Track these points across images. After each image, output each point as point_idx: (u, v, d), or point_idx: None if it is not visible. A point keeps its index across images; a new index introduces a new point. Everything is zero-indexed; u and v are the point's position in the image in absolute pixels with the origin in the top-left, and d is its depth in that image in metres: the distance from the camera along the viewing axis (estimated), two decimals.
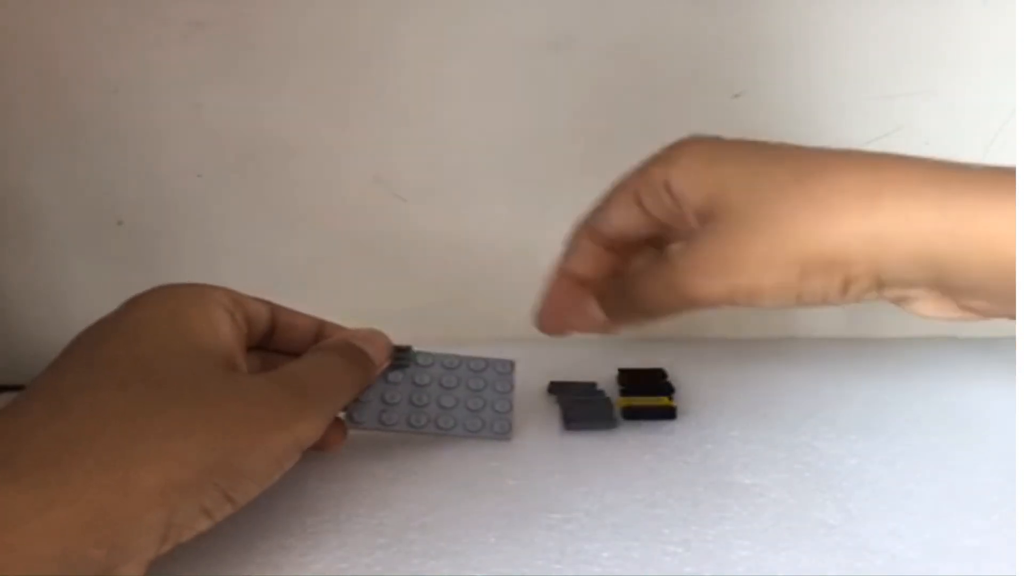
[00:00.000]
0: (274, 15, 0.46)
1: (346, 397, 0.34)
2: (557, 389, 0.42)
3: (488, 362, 0.39)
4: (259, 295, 0.35)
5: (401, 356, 0.37)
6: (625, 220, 0.34)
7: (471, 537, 0.31)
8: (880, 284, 0.28)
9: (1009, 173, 0.26)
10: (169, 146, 0.49)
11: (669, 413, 0.40)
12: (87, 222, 0.50)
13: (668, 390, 0.42)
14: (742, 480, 0.35)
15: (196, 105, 0.48)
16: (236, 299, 0.33)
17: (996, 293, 0.27)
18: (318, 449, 0.34)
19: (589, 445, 0.38)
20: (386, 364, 0.37)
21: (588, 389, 0.42)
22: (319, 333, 0.36)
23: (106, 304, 0.31)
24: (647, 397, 0.41)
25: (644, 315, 0.33)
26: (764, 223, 0.29)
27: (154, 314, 0.30)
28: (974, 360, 0.47)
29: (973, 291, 0.27)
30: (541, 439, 0.38)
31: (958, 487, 0.34)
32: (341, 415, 0.35)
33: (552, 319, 0.37)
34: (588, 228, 0.35)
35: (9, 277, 0.51)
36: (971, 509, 0.33)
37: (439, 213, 0.50)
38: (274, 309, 0.35)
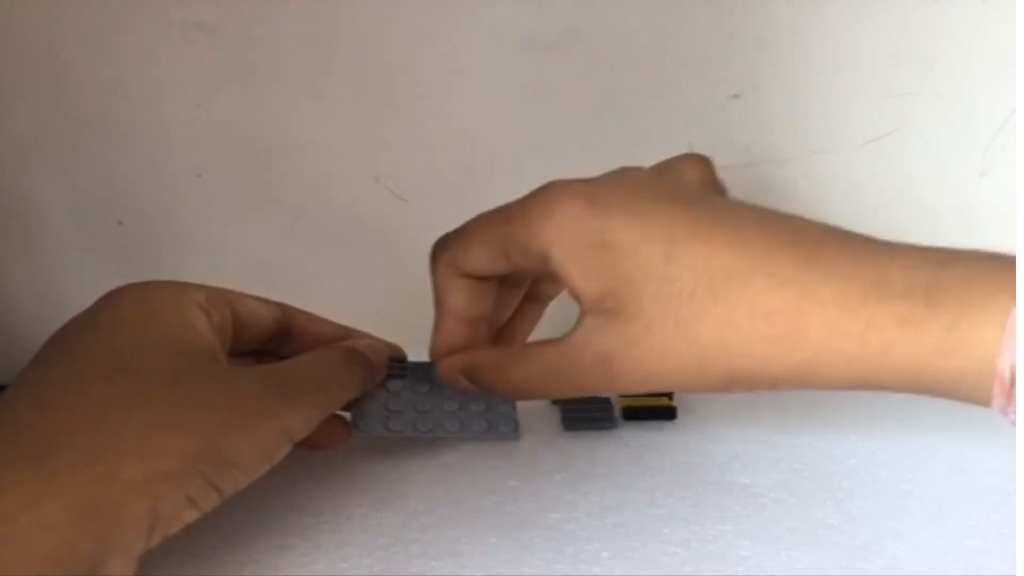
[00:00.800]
0: (274, 15, 0.46)
1: (342, 394, 0.33)
2: None
3: None
4: (259, 295, 0.34)
5: (398, 366, 0.37)
6: (485, 267, 0.32)
7: (471, 537, 0.31)
8: (803, 388, 0.28)
9: (918, 272, 0.26)
10: (169, 146, 0.49)
11: (669, 413, 0.40)
12: (87, 222, 0.50)
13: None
14: (742, 480, 0.35)
15: (196, 105, 0.48)
16: (216, 297, 0.32)
17: (913, 392, 0.27)
18: (318, 447, 0.34)
19: (589, 445, 0.38)
20: (385, 373, 0.36)
21: None
22: (341, 339, 0.36)
23: None
24: (647, 397, 0.41)
25: (520, 398, 0.34)
26: (685, 341, 0.28)
27: (130, 310, 0.30)
28: None
29: (891, 391, 0.28)
30: (541, 439, 0.38)
31: (958, 487, 0.34)
32: (346, 415, 0.35)
33: (450, 369, 0.34)
34: (447, 266, 0.33)
35: (9, 277, 0.51)
36: (971, 509, 0.33)
37: (439, 213, 0.50)
38: (291, 314, 0.35)
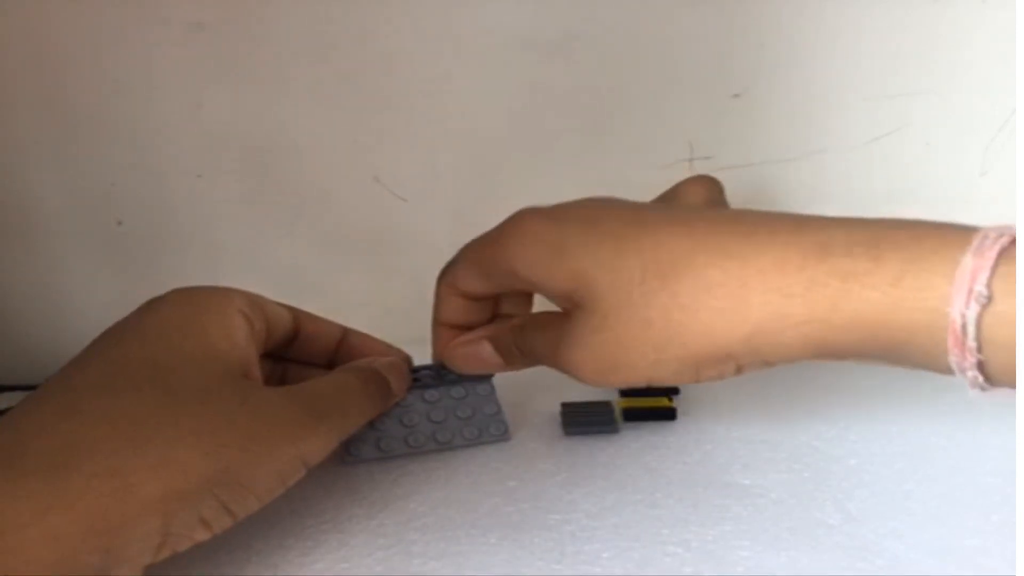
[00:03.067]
0: (274, 15, 0.46)
1: (359, 421, 0.33)
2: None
3: None
4: (259, 295, 0.34)
5: None
6: (475, 287, 0.34)
7: (471, 538, 0.31)
8: (772, 363, 0.28)
9: (860, 236, 0.26)
10: (169, 146, 0.49)
11: (669, 414, 0.40)
12: (87, 222, 0.50)
13: (669, 391, 0.41)
14: (742, 480, 0.35)
15: (196, 105, 0.48)
16: (255, 303, 0.32)
17: (878, 358, 0.27)
18: None
19: (589, 446, 0.38)
20: (404, 396, 0.37)
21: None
22: (343, 341, 0.36)
23: (106, 304, 0.31)
24: (647, 398, 0.41)
25: (538, 363, 0.34)
26: (639, 326, 0.29)
27: (171, 318, 0.30)
28: None
29: (855, 358, 0.27)
30: (542, 440, 0.38)
31: (958, 487, 0.34)
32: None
33: (450, 360, 0.37)
34: (448, 284, 0.36)
35: (9, 277, 0.51)
36: (971, 509, 0.33)
37: (439, 213, 0.50)
38: (298, 316, 0.35)
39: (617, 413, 0.40)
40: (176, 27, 0.46)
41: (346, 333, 0.36)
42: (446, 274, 0.36)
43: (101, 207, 0.50)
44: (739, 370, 0.29)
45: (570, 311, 0.31)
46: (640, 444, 0.38)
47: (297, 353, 0.35)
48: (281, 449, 0.28)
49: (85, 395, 0.26)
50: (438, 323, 0.37)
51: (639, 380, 0.30)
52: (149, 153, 0.49)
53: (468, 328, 0.36)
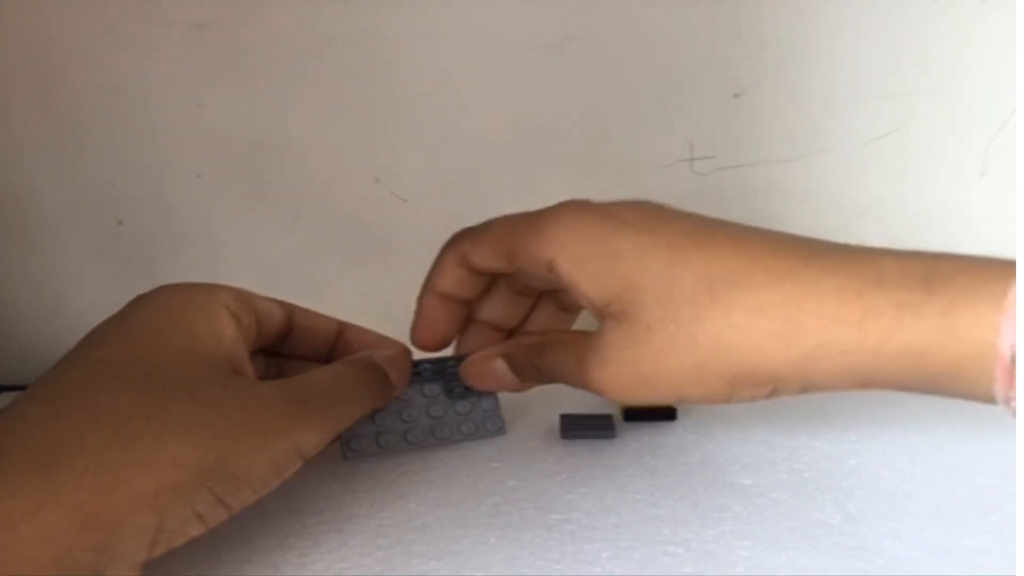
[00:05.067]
0: (274, 16, 0.46)
1: (356, 411, 0.33)
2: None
3: (462, 360, 0.39)
4: (248, 291, 0.34)
5: None
6: (489, 263, 0.33)
7: (471, 537, 0.31)
8: (808, 390, 0.28)
9: (912, 267, 0.26)
10: (169, 146, 0.49)
11: (669, 414, 0.40)
12: (87, 222, 0.50)
13: None
14: (742, 480, 0.35)
15: (197, 105, 0.48)
16: (243, 299, 0.32)
17: (919, 388, 0.27)
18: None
19: (589, 446, 0.38)
20: (404, 389, 0.36)
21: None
22: (340, 336, 0.36)
23: (106, 304, 0.31)
24: None
25: (555, 381, 0.34)
26: (683, 341, 0.28)
27: (157, 315, 0.30)
28: None
29: (896, 388, 0.28)
30: (541, 439, 0.38)
31: (958, 487, 0.34)
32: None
33: (424, 334, 0.36)
34: (457, 250, 0.34)
35: (9, 277, 0.51)
36: (971, 509, 0.33)
37: (439, 213, 0.50)
38: (291, 311, 0.35)
39: (617, 412, 0.40)
40: (176, 27, 0.46)
41: (343, 328, 0.36)
42: (459, 242, 0.34)
43: (101, 207, 0.50)
44: (773, 393, 0.28)
45: (604, 322, 0.30)
46: (640, 444, 0.38)
47: (293, 348, 0.35)
48: (275, 441, 0.28)
49: (73, 394, 0.26)
50: (431, 290, 0.35)
51: (669, 397, 0.29)
52: (149, 153, 0.49)
53: (457, 302, 0.35)
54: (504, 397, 0.39)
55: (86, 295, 0.51)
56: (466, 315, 0.37)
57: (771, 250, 0.28)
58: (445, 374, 0.38)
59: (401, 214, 0.50)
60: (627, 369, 0.29)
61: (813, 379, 0.28)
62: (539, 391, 0.42)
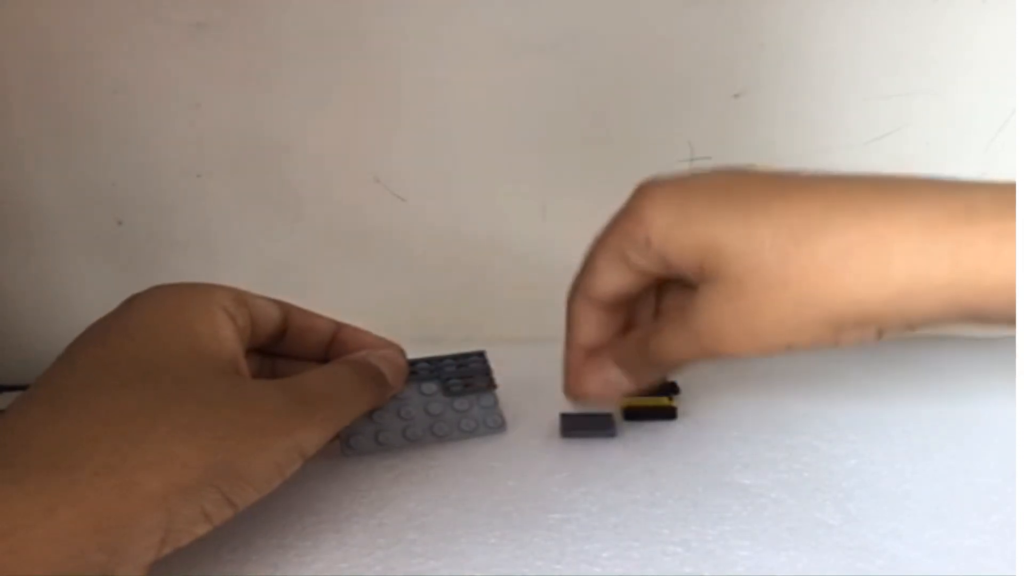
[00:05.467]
0: (274, 15, 0.46)
1: (354, 411, 0.33)
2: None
3: (460, 359, 0.39)
4: (244, 290, 0.34)
5: None
6: (618, 282, 0.33)
7: (471, 537, 0.31)
8: (915, 327, 0.28)
9: (1007, 198, 0.26)
10: (169, 146, 0.49)
11: (669, 413, 0.40)
12: (87, 222, 0.50)
13: (669, 391, 0.41)
14: (742, 480, 0.35)
15: (196, 105, 0.48)
16: (239, 299, 0.32)
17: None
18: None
19: (589, 445, 0.38)
20: (401, 388, 0.36)
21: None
22: (336, 336, 0.36)
23: (106, 304, 0.31)
24: (647, 397, 0.41)
25: (666, 370, 0.34)
26: (776, 289, 0.28)
27: (154, 315, 0.30)
28: (974, 360, 0.46)
29: (1000, 322, 0.27)
30: (541, 439, 0.38)
31: (958, 487, 0.34)
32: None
33: (578, 389, 0.36)
34: (582, 296, 0.34)
35: (10, 277, 0.51)
36: (971, 509, 0.33)
37: (439, 213, 0.50)
38: (287, 311, 0.35)
39: (617, 413, 0.40)
40: (176, 27, 0.46)
41: (339, 328, 0.36)
42: (578, 286, 0.34)
43: (101, 207, 0.50)
44: (880, 334, 0.28)
45: (701, 286, 0.30)
46: (640, 444, 0.38)
47: (289, 348, 0.35)
48: (277, 440, 0.28)
49: (76, 393, 0.26)
50: (575, 346, 0.35)
51: (779, 345, 0.29)
52: (149, 153, 0.49)
53: (601, 349, 0.35)
54: (503, 395, 0.39)
55: (86, 295, 0.51)
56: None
57: (846, 190, 0.28)
58: (442, 372, 0.38)
59: (401, 214, 0.50)
60: (730, 325, 0.29)
61: (914, 317, 0.27)
62: (539, 391, 0.42)
